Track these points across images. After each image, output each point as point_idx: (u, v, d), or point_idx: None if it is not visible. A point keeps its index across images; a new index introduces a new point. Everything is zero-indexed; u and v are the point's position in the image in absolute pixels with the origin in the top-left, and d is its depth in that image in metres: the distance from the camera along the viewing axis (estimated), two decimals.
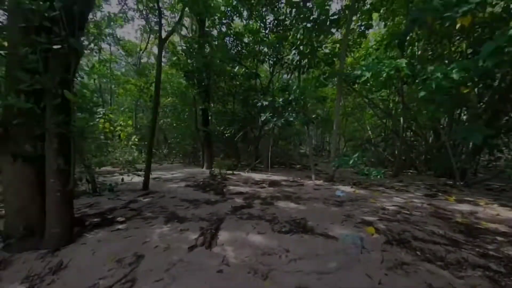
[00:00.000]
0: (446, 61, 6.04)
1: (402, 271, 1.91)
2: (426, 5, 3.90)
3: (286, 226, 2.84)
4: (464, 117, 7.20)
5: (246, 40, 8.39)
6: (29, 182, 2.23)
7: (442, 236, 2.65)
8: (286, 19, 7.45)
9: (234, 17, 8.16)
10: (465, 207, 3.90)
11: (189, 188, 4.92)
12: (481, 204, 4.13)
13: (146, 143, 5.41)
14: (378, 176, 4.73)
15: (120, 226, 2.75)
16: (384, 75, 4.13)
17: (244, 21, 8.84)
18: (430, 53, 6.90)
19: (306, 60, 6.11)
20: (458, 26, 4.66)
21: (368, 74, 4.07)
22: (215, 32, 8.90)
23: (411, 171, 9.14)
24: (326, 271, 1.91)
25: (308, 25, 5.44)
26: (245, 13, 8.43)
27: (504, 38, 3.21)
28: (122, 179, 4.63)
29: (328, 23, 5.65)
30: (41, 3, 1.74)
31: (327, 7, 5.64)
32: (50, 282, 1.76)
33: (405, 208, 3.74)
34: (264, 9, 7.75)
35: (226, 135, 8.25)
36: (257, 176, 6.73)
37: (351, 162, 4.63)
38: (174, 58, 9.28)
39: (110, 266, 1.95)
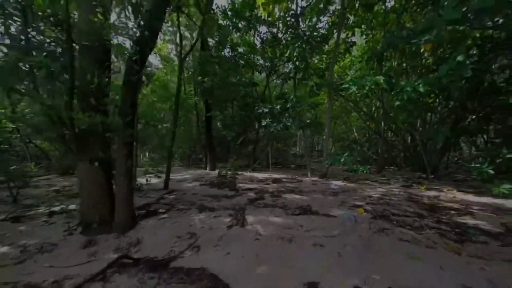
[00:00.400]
0: (415, 77, 7.19)
1: (383, 233, 2.75)
2: (397, 33, 4.89)
3: (296, 211, 3.62)
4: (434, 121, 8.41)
5: (241, 50, 9.17)
6: (100, 183, 2.84)
7: (412, 212, 3.55)
8: (281, 35, 8.32)
9: (232, 31, 8.91)
10: (431, 193, 4.90)
11: (205, 186, 5.57)
12: (444, 190, 5.16)
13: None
14: (365, 172, 5.65)
15: (164, 216, 3.38)
16: (367, 88, 5.07)
17: (240, 34, 9.62)
18: (404, 65, 8.06)
19: (301, 73, 6.99)
20: (422, 49, 5.73)
21: (354, 88, 4.99)
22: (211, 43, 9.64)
23: (392, 167, 10.31)
24: (331, 236, 2.70)
25: (302, 44, 6.31)
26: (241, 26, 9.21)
27: (453, 62, 4.22)
28: (147, 180, 5.18)
29: (319, 42, 6.57)
30: (131, 49, 2.40)
31: (317, 28, 6.57)
32: (136, 251, 2.40)
33: (386, 195, 4.66)
34: (260, 24, 8.57)
35: (228, 138, 8.92)
36: (260, 175, 7.47)
37: (342, 160, 5.51)
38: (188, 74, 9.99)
39: (174, 241, 2.61)
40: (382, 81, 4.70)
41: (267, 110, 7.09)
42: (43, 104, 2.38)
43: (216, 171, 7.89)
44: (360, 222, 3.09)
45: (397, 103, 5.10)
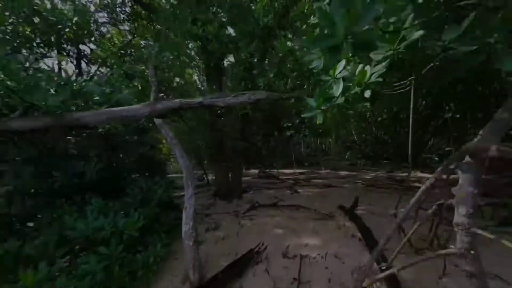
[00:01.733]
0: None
1: (370, 192, 5.52)
2: None
3: (322, 186, 6.40)
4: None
5: None
6: (225, 173, 5.62)
7: (389, 184, 6.32)
8: None
9: None
10: (404, 174, 7.67)
11: (256, 178, 8.34)
12: (414, 173, 7.93)
13: None
14: (362, 164, 8.43)
15: (251, 192, 6.15)
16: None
17: None
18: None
19: None
20: None
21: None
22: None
23: (385, 160, 13.08)
24: (343, 193, 5.47)
25: None
26: None
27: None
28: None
29: None
30: None
31: None
32: (255, 202, 5.17)
33: (376, 176, 7.43)
34: None
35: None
36: (286, 171, 10.25)
37: (346, 156, 8.29)
38: None
39: (269, 198, 5.37)
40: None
41: (290, 124, 9.89)
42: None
43: (252, 171, 10.65)
44: (358, 188, 5.87)
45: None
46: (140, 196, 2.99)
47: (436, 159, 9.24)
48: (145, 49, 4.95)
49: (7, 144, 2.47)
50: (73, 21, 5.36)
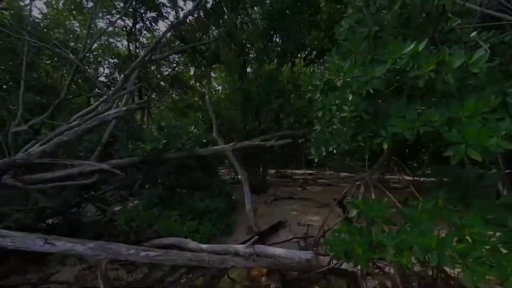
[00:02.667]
0: None
1: (357, 189, 7.63)
2: None
3: (326, 185, 8.55)
4: None
5: None
6: (256, 173, 7.89)
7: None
8: None
9: None
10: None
11: (274, 178, 10.58)
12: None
13: None
14: (360, 166, 10.41)
15: (272, 188, 8.40)
16: None
17: None
18: None
19: None
20: None
21: None
22: None
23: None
24: (342, 191, 7.63)
25: None
26: None
27: None
28: None
29: None
30: None
31: None
32: (278, 195, 7.42)
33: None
34: None
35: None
36: (298, 171, 12.41)
37: (346, 161, 10.30)
38: None
39: (287, 192, 7.60)
40: None
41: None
42: None
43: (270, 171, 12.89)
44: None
45: None
46: (217, 191, 5.32)
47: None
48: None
49: (158, 166, 4.84)
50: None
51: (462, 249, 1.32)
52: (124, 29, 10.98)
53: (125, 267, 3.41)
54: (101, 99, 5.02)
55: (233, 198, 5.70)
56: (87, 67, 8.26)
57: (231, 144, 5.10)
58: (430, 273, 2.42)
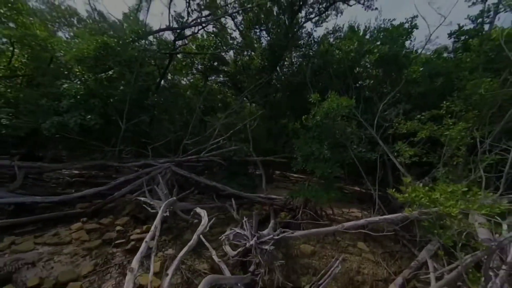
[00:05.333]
0: None
1: None
2: None
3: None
4: None
5: None
6: (266, 173, 14.41)
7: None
8: None
9: None
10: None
11: (278, 177, 16.95)
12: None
13: None
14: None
15: (276, 182, 14.82)
16: None
17: None
18: None
19: None
20: None
21: None
22: None
23: None
24: None
25: None
26: None
27: None
28: None
29: None
30: None
31: None
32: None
33: None
34: None
35: None
36: (295, 175, 18.63)
37: None
38: None
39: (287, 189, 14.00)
40: None
41: None
42: None
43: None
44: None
45: None
46: (250, 177, 11.92)
47: None
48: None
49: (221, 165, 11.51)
50: None
51: None
52: None
53: None
54: None
55: (256, 182, 12.26)
56: None
57: (260, 158, 11.60)
58: None
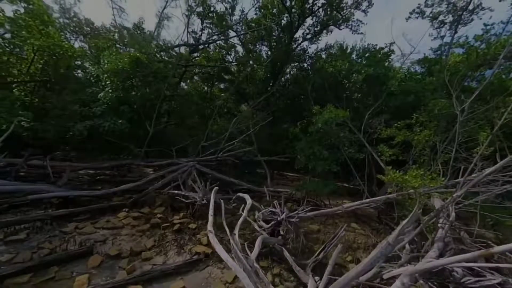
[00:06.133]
0: None
1: None
2: None
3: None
4: None
5: None
6: (272, 171, 16.09)
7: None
8: None
9: None
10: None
11: (278, 175, 18.70)
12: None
13: None
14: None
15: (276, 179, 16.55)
16: None
17: None
18: None
19: None
20: None
21: None
22: None
23: None
24: None
25: None
26: None
27: None
28: None
29: None
30: None
31: None
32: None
33: None
34: None
35: None
36: (295, 174, 20.49)
37: None
38: None
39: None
40: None
41: None
42: None
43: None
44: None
45: None
46: (257, 174, 13.52)
47: None
48: None
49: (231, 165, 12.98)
50: None
51: None
52: None
53: None
54: None
55: (259, 179, 13.89)
56: None
57: (265, 158, 13.25)
58: None
